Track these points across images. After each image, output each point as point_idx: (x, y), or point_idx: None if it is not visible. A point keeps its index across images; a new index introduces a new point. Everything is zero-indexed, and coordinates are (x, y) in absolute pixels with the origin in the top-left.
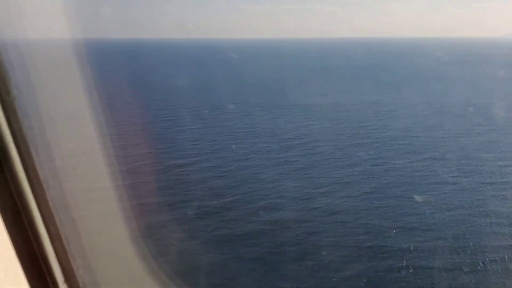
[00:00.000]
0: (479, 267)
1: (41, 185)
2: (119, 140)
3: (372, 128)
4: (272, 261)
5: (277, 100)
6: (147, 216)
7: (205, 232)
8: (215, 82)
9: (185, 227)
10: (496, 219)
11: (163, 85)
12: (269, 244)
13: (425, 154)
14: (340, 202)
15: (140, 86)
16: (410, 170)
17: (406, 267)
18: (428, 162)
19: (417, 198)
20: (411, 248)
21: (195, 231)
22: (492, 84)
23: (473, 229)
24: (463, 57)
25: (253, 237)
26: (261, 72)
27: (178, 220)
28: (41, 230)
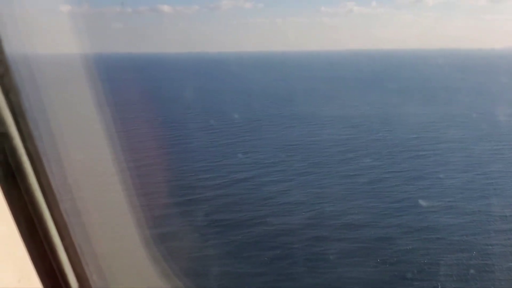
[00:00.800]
0: None
1: (55, 196)
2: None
3: (423, 140)
4: (377, 281)
5: (312, 112)
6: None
7: (294, 249)
8: (240, 95)
9: (268, 245)
10: None
11: (191, 100)
12: (368, 263)
13: (490, 167)
14: (422, 218)
15: (166, 101)
16: (481, 184)
17: None
18: (495, 175)
19: (505, 213)
20: None
21: (283, 248)
22: None
23: None
24: (483, 67)
25: (349, 255)
26: (284, 84)
27: (256, 238)
28: (55, 239)
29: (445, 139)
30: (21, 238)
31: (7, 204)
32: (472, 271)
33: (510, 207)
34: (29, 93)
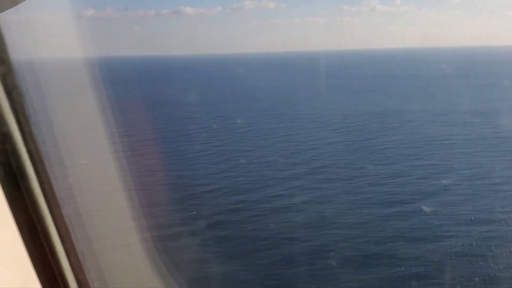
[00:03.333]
0: None
1: (57, 201)
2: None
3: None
4: None
5: (376, 108)
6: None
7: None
8: (287, 94)
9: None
10: None
11: (224, 101)
12: None
13: None
14: None
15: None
16: None
17: None
18: None
19: None
20: None
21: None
22: None
23: None
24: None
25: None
26: (327, 82)
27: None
28: (57, 245)
29: None
30: (23, 245)
31: (9, 207)
32: None
33: None
34: (32, 98)
